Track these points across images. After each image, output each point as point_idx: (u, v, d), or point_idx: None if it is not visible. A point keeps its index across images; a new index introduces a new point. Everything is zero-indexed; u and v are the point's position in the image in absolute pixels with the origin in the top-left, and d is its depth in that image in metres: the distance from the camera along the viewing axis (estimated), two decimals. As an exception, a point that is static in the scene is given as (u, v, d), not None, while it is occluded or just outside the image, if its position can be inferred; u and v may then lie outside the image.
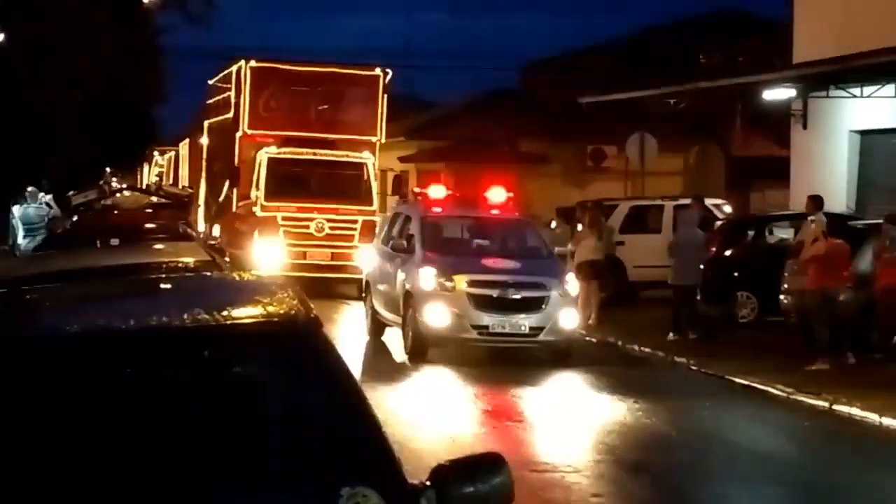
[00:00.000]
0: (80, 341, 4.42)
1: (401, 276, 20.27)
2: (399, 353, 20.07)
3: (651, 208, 30.30)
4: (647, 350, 21.20)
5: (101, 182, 43.55)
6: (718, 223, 26.66)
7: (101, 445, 4.18)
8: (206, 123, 38.61)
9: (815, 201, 22.96)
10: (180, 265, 8.81)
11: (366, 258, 23.62)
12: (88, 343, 4.42)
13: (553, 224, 30.97)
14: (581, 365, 19.36)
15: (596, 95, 34.42)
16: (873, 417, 15.22)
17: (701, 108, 36.94)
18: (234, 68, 32.55)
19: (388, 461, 4.20)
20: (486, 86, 54.99)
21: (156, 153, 64.09)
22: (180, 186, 44.58)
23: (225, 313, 4.54)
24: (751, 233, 25.71)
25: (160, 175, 59.18)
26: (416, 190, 22.18)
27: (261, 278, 5.91)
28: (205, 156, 39.05)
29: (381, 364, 19.35)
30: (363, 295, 22.89)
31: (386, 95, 31.52)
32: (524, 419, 15.40)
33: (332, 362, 4.49)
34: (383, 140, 31.84)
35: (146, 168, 67.89)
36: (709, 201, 28.61)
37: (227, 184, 32.70)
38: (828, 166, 29.34)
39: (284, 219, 29.10)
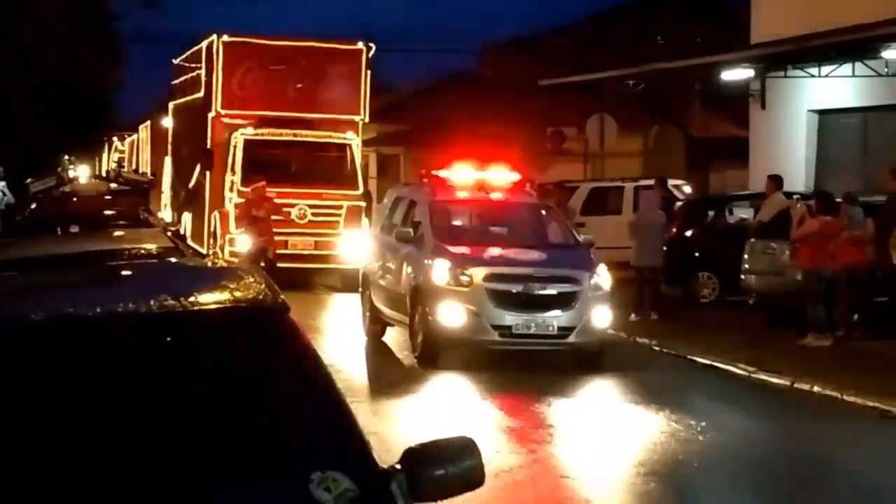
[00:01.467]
0: (47, 328, 4.39)
1: (407, 269, 18.20)
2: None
3: (611, 190, 30.39)
4: (609, 331, 21.22)
5: (59, 169, 43.28)
6: (679, 204, 26.77)
7: (67, 434, 4.16)
8: (171, 105, 36.65)
9: (775, 181, 23.10)
10: (143, 252, 8.78)
11: (361, 248, 21.70)
12: (55, 330, 4.39)
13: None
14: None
15: (555, 77, 34.47)
16: (835, 395, 15.32)
17: (660, 90, 37.01)
18: (203, 44, 30.50)
19: (358, 445, 4.20)
20: (444, 68, 54.99)
21: (115, 139, 63.72)
22: (140, 172, 44.12)
23: (192, 299, 4.52)
24: (711, 213, 25.83)
25: (120, 161, 58.80)
26: (434, 173, 19.47)
27: (226, 264, 5.89)
28: (170, 139, 37.00)
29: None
30: (360, 290, 20.81)
31: (369, 71, 29.45)
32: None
33: (300, 347, 4.49)
34: (367, 119, 29.85)
35: (105, 154, 67.48)
36: (669, 182, 28.71)
37: (197, 168, 30.77)
38: (786, 146, 29.49)
39: None
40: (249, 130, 27.84)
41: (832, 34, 25.19)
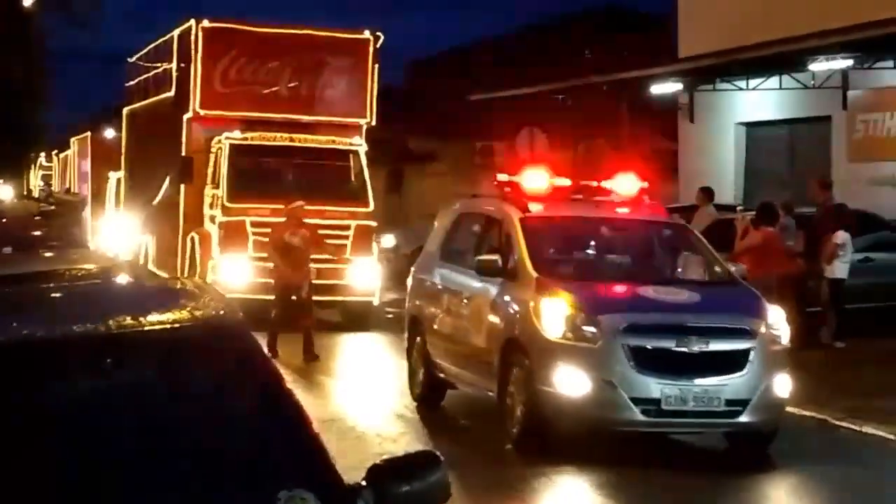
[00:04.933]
0: (2, 350, 4.34)
1: (494, 314, 13.45)
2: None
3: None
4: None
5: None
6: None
7: (23, 456, 4.11)
8: (125, 111, 31.75)
9: (706, 193, 23.31)
10: (91, 271, 8.67)
11: (411, 283, 16.17)
12: (9, 352, 4.34)
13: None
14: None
15: (484, 92, 34.60)
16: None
17: (588, 103, 37.20)
18: (176, 33, 25.88)
19: (324, 462, 4.18)
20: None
21: (41, 157, 63.10)
22: (67, 190, 43.38)
23: (150, 318, 4.48)
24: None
25: (46, 179, 58.14)
26: (503, 178, 14.79)
27: (182, 282, 5.84)
28: (124, 150, 31.87)
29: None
30: (407, 339, 15.85)
31: (377, 66, 25.08)
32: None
33: (260, 364, 4.46)
34: (373, 122, 25.19)
35: (31, 172, 66.89)
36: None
37: (166, 182, 26.04)
38: (715, 158, 29.78)
39: (254, 225, 22.36)
40: (237, 134, 23.44)
41: (759, 48, 25.47)
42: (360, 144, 23.96)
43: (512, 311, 13.15)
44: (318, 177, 23.26)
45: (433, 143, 44.18)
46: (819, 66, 25.05)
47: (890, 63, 24.75)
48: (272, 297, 19.54)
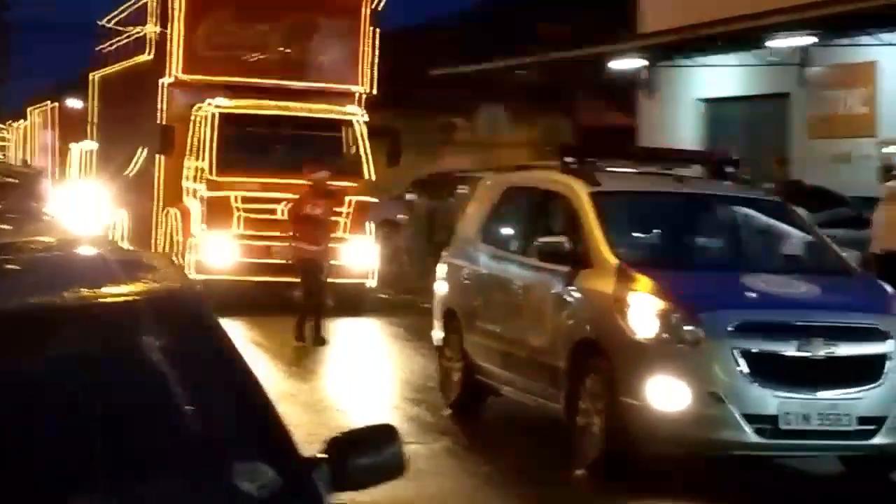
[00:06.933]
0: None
1: (561, 309, 11.22)
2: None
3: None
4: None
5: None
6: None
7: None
8: (95, 77, 29.78)
9: (665, 169, 23.36)
10: (50, 244, 8.60)
11: (442, 270, 13.90)
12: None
13: (409, 196, 30.99)
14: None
15: (445, 68, 34.56)
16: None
17: (548, 79, 37.22)
18: None
19: (280, 436, 4.17)
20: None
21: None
22: (25, 162, 42.81)
23: (106, 290, 4.45)
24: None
25: (3, 151, 57.64)
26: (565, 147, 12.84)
27: (139, 253, 5.82)
28: (95, 119, 29.79)
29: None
30: (439, 336, 13.60)
31: (375, 29, 23.36)
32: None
33: (218, 338, 4.44)
34: (372, 90, 23.45)
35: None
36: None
37: (142, 152, 24.50)
38: (674, 134, 29.84)
39: (243, 200, 20.91)
40: (224, 101, 21.52)
41: (719, 24, 25.53)
42: (356, 114, 22.26)
43: (585, 306, 10.90)
44: (312, 148, 21.17)
45: (392, 119, 44.03)
46: (778, 42, 25.13)
47: (848, 40, 24.86)
48: (296, 280, 18.38)
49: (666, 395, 9.99)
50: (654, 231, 12.42)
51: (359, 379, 15.82)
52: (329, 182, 18.36)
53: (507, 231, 13.24)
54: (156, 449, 4.09)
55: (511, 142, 37.51)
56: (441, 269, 13.90)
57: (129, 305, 4.43)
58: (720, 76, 28.42)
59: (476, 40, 42.16)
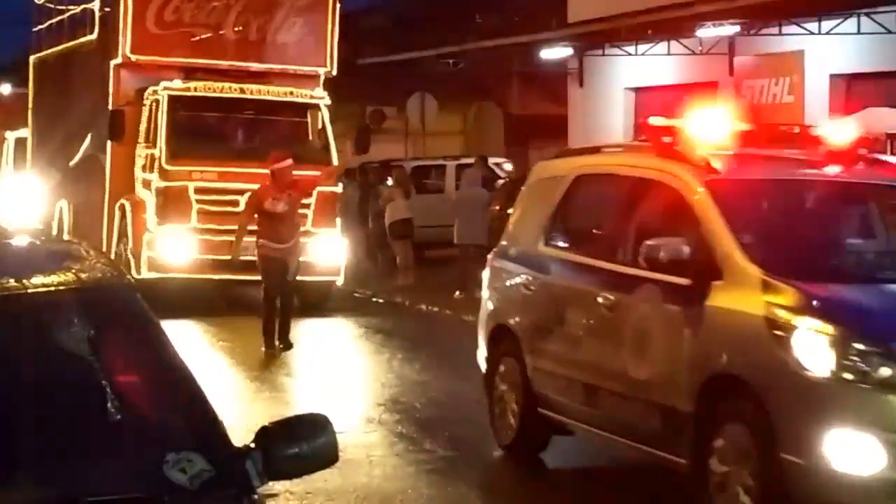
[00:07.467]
0: None
1: (681, 332, 8.60)
2: None
3: (433, 168, 30.54)
4: (434, 309, 21.37)
5: None
6: (500, 182, 27.02)
7: None
8: (33, 59, 27.37)
9: (595, 158, 23.47)
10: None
11: (492, 277, 11.46)
12: None
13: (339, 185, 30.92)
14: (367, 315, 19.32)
15: (374, 56, 34.52)
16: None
17: (478, 68, 37.29)
18: None
19: (212, 425, 4.18)
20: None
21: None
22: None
23: (35, 280, 4.42)
24: (532, 190, 26.08)
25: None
26: (657, 122, 9.79)
27: (69, 244, 5.77)
28: (31, 104, 27.39)
29: None
30: (488, 357, 11.17)
31: (338, 4, 21.90)
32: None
33: (148, 328, 4.43)
34: (334, 72, 21.95)
35: None
36: (490, 160, 28.95)
37: (87, 139, 22.58)
38: (604, 123, 29.96)
39: (199, 191, 19.37)
40: (177, 83, 20.01)
41: (647, 13, 25.68)
42: (321, 97, 20.74)
43: (720, 330, 8.31)
44: (274, 135, 20.27)
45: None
46: (706, 31, 25.30)
47: (776, 29, 25.06)
48: (259, 279, 16.53)
49: (849, 453, 7.53)
50: (798, 230, 9.40)
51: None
52: (295, 171, 16.60)
53: (583, 231, 10.77)
54: (85, 439, 4.08)
55: (441, 131, 37.55)
56: (489, 276, 11.48)
57: (58, 296, 4.41)
58: (649, 65, 28.56)
59: (410, 28, 42.18)
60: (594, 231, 10.58)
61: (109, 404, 4.18)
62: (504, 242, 11.49)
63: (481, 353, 11.34)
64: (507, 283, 11.13)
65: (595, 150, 11.43)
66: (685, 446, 8.40)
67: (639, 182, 9.79)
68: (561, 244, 10.63)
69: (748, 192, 9.31)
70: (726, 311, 8.28)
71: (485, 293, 11.51)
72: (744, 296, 8.18)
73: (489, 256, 11.82)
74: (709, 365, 8.33)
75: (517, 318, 10.76)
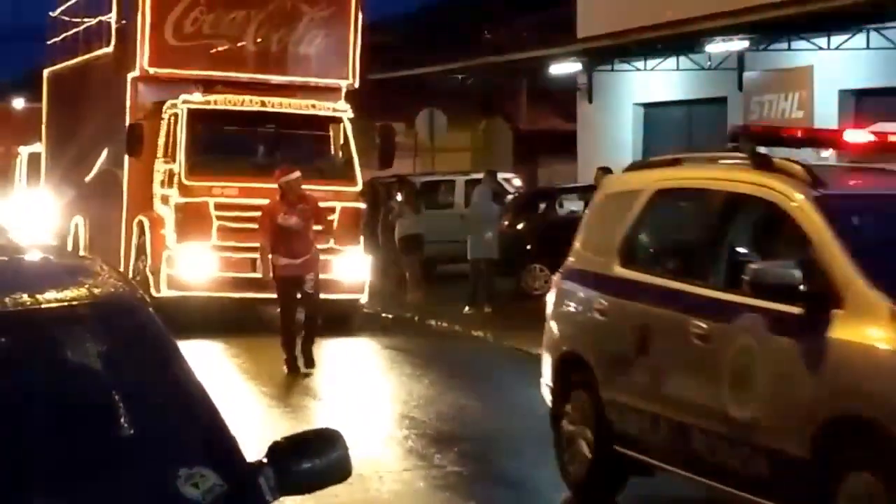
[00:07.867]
0: None
1: (794, 368, 7.63)
2: None
3: (443, 183, 30.56)
4: (444, 325, 21.35)
5: None
6: (510, 197, 27.06)
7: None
8: (47, 73, 27.11)
9: (605, 172, 23.44)
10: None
11: (559, 300, 10.60)
12: None
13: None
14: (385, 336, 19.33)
15: (383, 72, 34.56)
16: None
17: (488, 84, 37.34)
18: None
19: (225, 440, 4.17)
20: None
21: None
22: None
23: (47, 296, 4.42)
24: (542, 205, 26.16)
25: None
26: (759, 125, 8.87)
27: (83, 260, 5.77)
28: (45, 119, 27.10)
29: None
30: (555, 388, 10.30)
31: (360, 16, 21.54)
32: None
33: (161, 343, 4.42)
34: (356, 84, 21.68)
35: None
36: (499, 175, 28.98)
37: (103, 153, 22.30)
38: (613, 138, 29.99)
39: (219, 207, 18.98)
40: (197, 97, 19.61)
41: (656, 28, 25.69)
42: (344, 110, 20.21)
43: (846, 367, 7.37)
44: (295, 149, 19.44)
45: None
46: (715, 47, 25.32)
47: (785, 45, 25.06)
48: (276, 297, 16.29)
49: None
50: None
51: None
52: (318, 187, 16.72)
53: (666, 251, 9.95)
54: (98, 455, 4.07)
55: (450, 146, 37.57)
56: (554, 299, 10.63)
57: (70, 311, 4.40)
58: (658, 81, 28.58)
59: (419, 44, 42.22)
60: (679, 251, 9.65)
61: (122, 420, 4.18)
62: (572, 261, 10.57)
63: (545, 382, 10.49)
64: (578, 308, 10.24)
65: (675, 161, 10.24)
66: (796, 495, 7.55)
67: (733, 197, 8.93)
68: (640, 265, 9.71)
69: (862, 209, 8.40)
70: (852, 345, 7.35)
71: (550, 317, 10.55)
72: (872, 327, 7.30)
73: (554, 278, 11.04)
74: (830, 405, 7.41)
75: (590, 346, 9.88)
